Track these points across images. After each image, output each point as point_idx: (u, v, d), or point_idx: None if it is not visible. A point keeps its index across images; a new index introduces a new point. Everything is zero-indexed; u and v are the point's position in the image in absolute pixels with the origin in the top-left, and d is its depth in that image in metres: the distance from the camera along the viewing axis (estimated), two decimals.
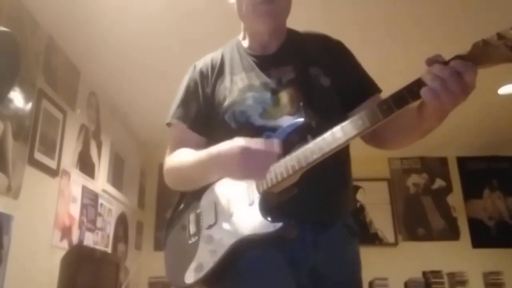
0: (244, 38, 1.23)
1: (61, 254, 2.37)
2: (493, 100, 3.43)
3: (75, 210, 2.71)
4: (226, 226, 0.98)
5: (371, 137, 1.05)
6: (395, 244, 4.41)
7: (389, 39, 2.64)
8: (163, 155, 1.20)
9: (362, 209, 4.48)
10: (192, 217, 1.08)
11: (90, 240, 2.92)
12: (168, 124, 1.20)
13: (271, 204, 0.94)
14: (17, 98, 2.10)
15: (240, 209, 0.98)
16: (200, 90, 1.17)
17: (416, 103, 0.84)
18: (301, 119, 0.97)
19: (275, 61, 1.14)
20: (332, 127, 0.89)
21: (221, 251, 0.95)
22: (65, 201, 2.56)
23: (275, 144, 0.91)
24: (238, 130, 1.06)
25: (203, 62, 1.22)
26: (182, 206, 1.14)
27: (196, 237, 1.03)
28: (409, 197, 4.62)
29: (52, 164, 2.42)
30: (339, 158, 0.98)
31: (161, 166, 1.19)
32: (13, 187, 2.01)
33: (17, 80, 2.09)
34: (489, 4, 2.32)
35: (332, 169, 1.00)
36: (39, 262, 2.25)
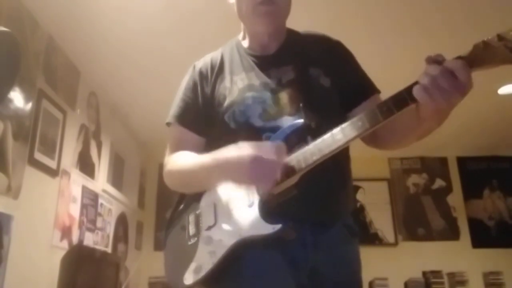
0: (244, 38, 1.23)
1: (61, 254, 2.37)
2: (493, 100, 3.43)
3: (75, 210, 2.71)
4: (225, 227, 0.98)
5: (371, 137, 1.05)
6: (395, 244, 4.41)
7: (393, 38, 2.64)
8: (163, 155, 1.19)
9: (362, 209, 4.48)
10: (191, 218, 1.08)
11: (90, 240, 2.92)
12: (168, 124, 1.20)
13: (270, 205, 0.94)
14: (17, 98, 2.10)
15: (239, 210, 0.98)
16: (199, 90, 1.16)
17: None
18: (301, 120, 0.97)
19: (275, 61, 1.14)
20: (332, 127, 0.89)
21: (220, 252, 0.95)
22: (65, 201, 2.56)
23: (283, 151, 0.90)
24: (238, 130, 1.06)
25: (203, 62, 1.21)
26: (181, 206, 1.14)
27: (196, 238, 1.03)
28: (409, 197, 4.62)
29: (52, 164, 2.42)
30: (339, 158, 0.98)
31: (161, 166, 1.19)
32: (13, 187, 2.01)
33: (17, 80, 2.09)
34: (493, 2, 2.31)
35: (332, 170, 1.00)
36: (39, 262, 2.25)
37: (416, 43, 2.62)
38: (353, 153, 1.13)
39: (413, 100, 0.79)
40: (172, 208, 1.17)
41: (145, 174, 4.48)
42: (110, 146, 3.45)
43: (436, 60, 0.78)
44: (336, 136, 0.87)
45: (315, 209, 1.00)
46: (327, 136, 0.89)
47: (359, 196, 4.43)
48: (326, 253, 1.01)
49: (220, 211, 1.01)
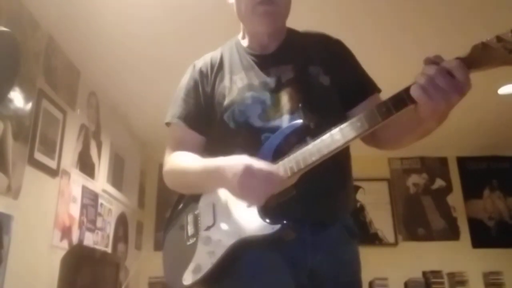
0: (243, 38, 1.22)
1: (61, 254, 2.37)
2: (493, 100, 3.43)
3: (75, 210, 2.71)
4: (224, 227, 0.98)
5: (371, 137, 1.05)
6: (395, 244, 4.41)
7: (401, 36, 2.62)
8: (163, 155, 1.19)
9: (362, 209, 4.48)
10: (190, 218, 1.08)
11: (90, 240, 2.92)
12: (168, 124, 1.20)
13: (269, 205, 0.94)
14: (17, 98, 2.10)
15: (238, 210, 0.98)
16: (199, 89, 1.16)
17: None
18: (300, 121, 0.97)
19: (275, 60, 1.14)
20: (331, 127, 0.89)
21: (219, 252, 0.95)
22: (65, 201, 2.56)
23: (281, 173, 0.91)
24: (237, 130, 1.06)
25: (203, 61, 1.21)
26: (180, 206, 1.14)
27: (194, 238, 1.03)
28: (409, 197, 4.62)
29: (52, 164, 2.42)
30: (339, 158, 0.98)
31: (161, 166, 1.19)
32: (13, 187, 2.01)
33: (17, 80, 2.09)
34: (499, 2, 2.31)
35: (331, 170, 1.00)
36: (39, 262, 2.26)
37: (424, 41, 2.61)
38: (353, 153, 1.13)
39: (412, 100, 0.80)
40: (171, 208, 1.17)
41: (145, 174, 4.48)
42: (110, 146, 3.45)
43: (434, 61, 0.78)
44: (335, 137, 0.87)
45: (315, 209, 1.00)
46: (326, 137, 0.89)
47: (359, 196, 4.43)
48: (325, 253, 1.01)
49: (219, 211, 1.02)
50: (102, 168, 3.25)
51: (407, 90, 0.80)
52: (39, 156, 2.27)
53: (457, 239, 4.45)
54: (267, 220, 0.92)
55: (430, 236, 4.45)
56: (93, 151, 3.09)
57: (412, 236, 4.45)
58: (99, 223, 3.11)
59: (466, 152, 4.64)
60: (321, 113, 1.02)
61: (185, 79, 1.21)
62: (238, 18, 1.19)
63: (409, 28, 2.56)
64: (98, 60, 2.78)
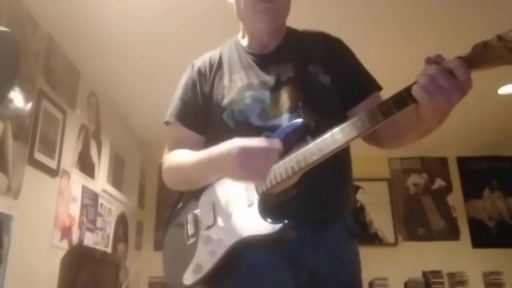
0: (243, 37, 1.22)
1: (61, 254, 2.37)
2: (493, 100, 3.43)
3: (75, 210, 2.71)
4: (225, 226, 0.98)
5: (371, 136, 1.05)
6: (395, 244, 4.41)
7: (399, 35, 2.63)
8: (163, 155, 1.19)
9: (362, 209, 4.48)
10: (190, 217, 1.07)
11: (90, 240, 2.92)
12: (167, 123, 1.20)
13: (270, 205, 0.94)
14: (17, 98, 2.10)
15: (239, 210, 0.97)
16: (198, 89, 1.16)
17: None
18: (300, 120, 0.97)
19: (274, 59, 1.13)
20: (331, 126, 0.89)
21: (220, 252, 0.95)
22: (65, 201, 2.56)
23: (276, 142, 0.90)
24: (236, 129, 1.05)
25: (202, 60, 1.21)
26: (180, 205, 1.14)
27: (195, 238, 1.03)
28: (409, 197, 4.62)
29: (52, 164, 2.42)
30: (339, 158, 0.97)
31: (161, 166, 1.19)
32: (13, 187, 2.01)
33: (17, 80, 2.09)
34: (499, 2, 2.31)
35: (332, 170, 1.00)
36: (39, 262, 2.25)
37: (424, 41, 2.61)
38: (353, 153, 1.13)
39: (413, 100, 0.79)
40: (171, 207, 1.17)
41: (145, 174, 4.48)
42: (110, 146, 3.45)
43: (435, 61, 0.78)
44: (336, 136, 0.87)
45: (315, 208, 1.00)
46: (327, 136, 0.88)
47: (359, 196, 4.43)
48: (326, 253, 1.01)
49: (219, 210, 1.01)
50: (102, 168, 3.25)
51: (408, 89, 0.80)
52: (39, 156, 2.26)
53: (457, 239, 4.45)
54: (268, 220, 0.91)
55: (430, 236, 4.45)
56: (93, 151, 3.09)
57: (412, 236, 4.45)
58: (99, 223, 3.11)
59: (466, 152, 4.64)
60: (321, 112, 1.02)
61: (184, 79, 1.21)
62: (237, 17, 1.18)
63: (409, 28, 2.56)
64: (98, 60, 2.78)
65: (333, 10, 2.36)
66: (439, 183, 4.66)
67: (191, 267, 1.00)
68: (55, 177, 2.46)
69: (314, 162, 0.89)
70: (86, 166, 2.94)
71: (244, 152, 0.88)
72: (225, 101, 1.09)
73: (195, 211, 1.06)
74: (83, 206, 2.83)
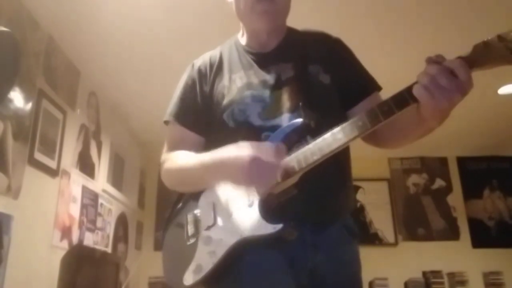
0: (243, 36, 1.22)
1: (61, 254, 2.37)
2: (493, 100, 3.43)
3: (75, 210, 2.71)
4: (225, 227, 0.98)
5: (371, 136, 1.04)
6: (395, 244, 4.41)
7: (402, 35, 2.63)
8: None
9: (362, 209, 4.48)
10: (190, 217, 1.07)
11: (90, 240, 2.92)
12: (166, 122, 1.19)
13: (270, 205, 0.94)
14: (17, 98, 2.10)
15: (239, 210, 0.97)
16: (198, 89, 1.16)
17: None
18: (300, 120, 0.96)
19: (274, 58, 1.13)
20: (331, 125, 0.89)
21: (220, 252, 0.95)
22: (65, 201, 2.56)
23: (282, 152, 0.89)
24: (236, 129, 1.05)
25: (202, 60, 1.21)
26: (180, 205, 1.13)
27: (195, 238, 1.03)
28: (409, 197, 4.62)
29: (52, 164, 2.42)
30: (339, 158, 0.97)
31: (160, 165, 1.19)
32: (13, 187, 2.01)
33: (17, 80, 2.09)
34: (499, 2, 2.31)
35: (332, 170, 0.99)
36: (39, 262, 2.25)
37: (422, 41, 2.62)
38: (353, 153, 1.13)
39: (414, 99, 0.80)
40: (170, 207, 1.17)
41: (145, 174, 4.48)
42: (110, 146, 3.44)
43: (436, 61, 0.78)
44: (337, 136, 0.87)
45: (315, 209, 1.00)
46: (327, 135, 0.88)
47: (359, 196, 4.43)
48: (326, 254, 1.01)
49: (219, 211, 1.01)
50: (102, 168, 3.25)
51: (409, 89, 0.80)
52: (39, 156, 2.26)
53: (457, 239, 4.45)
54: (269, 220, 0.91)
55: (430, 236, 4.45)
56: (93, 151, 3.09)
57: (412, 236, 4.45)
58: (99, 223, 3.11)
59: (466, 152, 4.64)
60: (321, 112, 1.02)
61: (184, 78, 1.21)
62: (237, 17, 1.18)
63: (409, 28, 2.56)
64: (98, 60, 2.78)
65: (333, 10, 2.36)
66: (439, 183, 4.67)
67: (191, 268, 0.99)
68: (55, 177, 2.46)
69: (314, 162, 0.89)
70: (86, 166, 2.94)
71: (255, 162, 0.86)
72: (225, 101, 1.09)
73: (195, 211, 1.06)
74: (83, 206, 2.83)
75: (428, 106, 0.79)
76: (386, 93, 0.90)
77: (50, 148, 2.41)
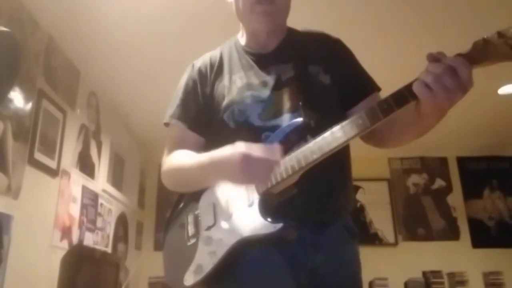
0: (242, 37, 1.22)
1: (61, 254, 2.37)
2: (493, 100, 3.43)
3: (75, 210, 2.70)
4: (225, 227, 0.98)
5: (371, 135, 1.05)
6: (395, 244, 4.41)
7: (398, 35, 2.63)
8: (163, 155, 1.19)
9: (362, 209, 4.47)
10: (190, 218, 1.07)
11: (90, 240, 2.92)
12: (166, 124, 1.19)
13: (270, 204, 0.94)
14: (17, 98, 2.09)
15: (239, 210, 0.97)
16: (199, 89, 1.16)
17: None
18: (300, 119, 0.97)
19: (274, 59, 1.13)
20: (331, 125, 0.89)
21: (220, 253, 0.95)
22: (65, 201, 2.56)
23: (276, 151, 0.90)
24: (237, 130, 1.05)
25: (202, 61, 1.21)
26: (180, 206, 1.14)
27: (195, 239, 1.03)
28: (409, 197, 4.62)
29: (52, 164, 2.42)
30: (339, 157, 0.98)
31: (161, 166, 1.18)
32: (13, 187, 2.01)
33: (17, 80, 2.09)
34: (499, 2, 2.31)
35: (332, 169, 1.00)
36: (39, 262, 2.25)
37: (422, 40, 2.61)
38: (353, 153, 1.13)
39: (414, 97, 0.80)
40: (171, 208, 1.17)
41: (145, 174, 4.48)
42: (110, 146, 3.44)
43: (437, 58, 0.78)
44: (337, 134, 0.87)
45: (315, 208, 1.00)
46: (327, 134, 0.88)
47: (359, 196, 4.43)
48: (326, 254, 1.01)
49: (220, 211, 1.01)
50: (102, 168, 3.25)
51: (408, 86, 0.80)
52: (39, 156, 2.26)
53: (457, 239, 4.45)
54: (269, 219, 0.92)
55: (430, 236, 4.44)
56: (93, 151, 3.09)
57: (412, 236, 4.45)
58: (99, 223, 3.10)
59: (466, 152, 4.64)
60: (322, 112, 1.02)
61: (184, 79, 1.21)
62: (237, 17, 1.18)
63: (409, 28, 2.56)
64: (98, 60, 2.78)
65: (333, 10, 2.36)
66: (439, 183, 4.66)
67: (191, 268, 1.00)
68: (55, 177, 2.46)
69: (314, 161, 0.89)
70: (86, 166, 2.94)
71: (247, 158, 0.88)
72: (226, 102, 1.09)
73: (196, 212, 1.06)
74: (83, 206, 2.83)
75: (428, 103, 0.79)
76: (385, 94, 0.90)
77: (50, 148, 2.41)
